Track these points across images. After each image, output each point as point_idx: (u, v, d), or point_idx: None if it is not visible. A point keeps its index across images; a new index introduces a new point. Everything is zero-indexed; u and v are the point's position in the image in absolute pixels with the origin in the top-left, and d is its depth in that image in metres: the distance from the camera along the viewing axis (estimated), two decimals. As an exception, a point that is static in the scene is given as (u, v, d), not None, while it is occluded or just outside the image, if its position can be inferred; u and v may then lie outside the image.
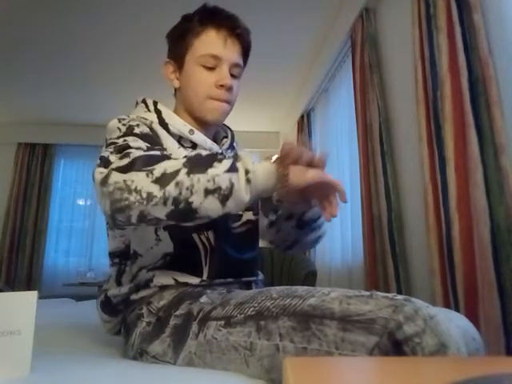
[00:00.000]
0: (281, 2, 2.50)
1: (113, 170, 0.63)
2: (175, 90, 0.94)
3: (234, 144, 0.99)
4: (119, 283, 0.83)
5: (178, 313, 0.71)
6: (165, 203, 0.60)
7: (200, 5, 0.91)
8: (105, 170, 0.64)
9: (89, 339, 0.99)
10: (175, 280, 0.77)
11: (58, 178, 4.67)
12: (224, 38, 0.85)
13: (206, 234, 0.80)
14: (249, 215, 0.91)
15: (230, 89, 0.86)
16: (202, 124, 0.89)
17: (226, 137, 0.98)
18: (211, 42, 0.85)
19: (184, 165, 0.62)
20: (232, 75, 0.87)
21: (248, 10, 2.61)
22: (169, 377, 0.60)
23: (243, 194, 0.62)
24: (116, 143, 0.72)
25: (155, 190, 0.60)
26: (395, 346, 0.49)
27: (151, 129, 0.81)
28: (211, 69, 0.85)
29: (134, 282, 0.80)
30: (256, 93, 3.61)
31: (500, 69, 1.24)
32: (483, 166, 1.21)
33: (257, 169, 0.63)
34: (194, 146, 0.86)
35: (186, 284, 0.77)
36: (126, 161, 0.63)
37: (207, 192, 0.60)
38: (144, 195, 0.59)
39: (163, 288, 0.77)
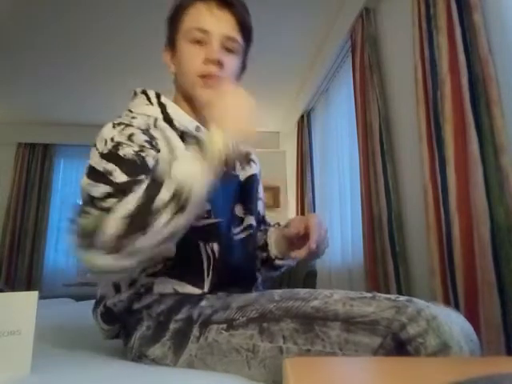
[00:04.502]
0: (281, 2, 2.50)
1: (78, 244, 0.62)
2: (174, 76, 0.88)
3: None
4: (117, 287, 0.80)
5: (177, 317, 0.71)
6: (132, 268, 0.65)
7: None
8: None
9: (89, 339, 0.99)
10: (175, 290, 0.75)
11: (58, 178, 4.67)
12: (212, 9, 0.80)
13: (210, 245, 0.77)
14: (251, 219, 0.90)
15: (219, 64, 0.78)
16: (201, 111, 0.81)
17: None
18: (199, 15, 0.80)
19: (125, 226, 0.57)
20: (226, 49, 0.81)
21: (249, 9, 2.61)
22: (168, 378, 0.60)
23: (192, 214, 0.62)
24: (94, 168, 0.67)
25: (114, 260, 0.59)
26: (399, 346, 0.49)
27: (155, 127, 0.77)
28: (200, 44, 0.80)
29: (133, 289, 0.77)
30: (256, 93, 3.60)
31: (500, 69, 1.24)
32: (483, 166, 1.21)
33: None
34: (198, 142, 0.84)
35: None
36: (81, 235, 0.61)
37: (161, 243, 0.60)
38: (109, 274, 0.64)
39: (164, 295, 0.76)
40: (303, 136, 3.45)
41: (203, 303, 0.71)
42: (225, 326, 0.63)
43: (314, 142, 3.35)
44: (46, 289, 4.06)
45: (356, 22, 2.23)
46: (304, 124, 3.48)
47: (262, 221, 1.02)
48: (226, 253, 0.79)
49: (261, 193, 1.03)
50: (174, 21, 0.85)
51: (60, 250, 4.48)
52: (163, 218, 0.58)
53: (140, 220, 0.57)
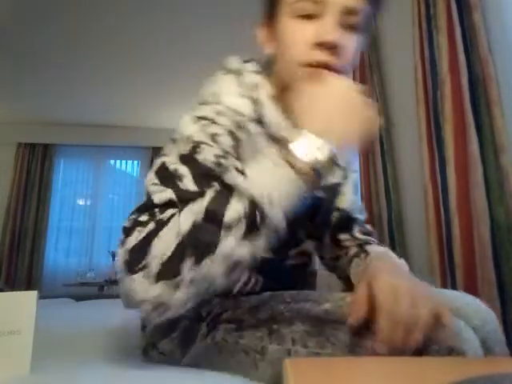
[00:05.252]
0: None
1: (122, 264, 0.50)
2: (272, 59, 0.68)
3: None
4: None
5: (187, 314, 0.70)
6: (181, 305, 0.48)
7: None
8: (121, 251, 0.50)
9: (88, 340, 0.99)
10: None
11: (58, 177, 4.68)
12: None
13: (256, 276, 0.68)
14: (309, 245, 0.76)
15: (334, 48, 0.57)
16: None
17: None
18: None
19: (180, 245, 0.46)
20: (346, 25, 0.59)
21: (248, 9, 2.61)
22: (169, 378, 0.60)
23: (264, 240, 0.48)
24: (166, 166, 0.56)
25: (161, 290, 0.46)
26: None
27: (243, 127, 0.59)
28: (310, 19, 0.58)
29: None
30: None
31: (500, 69, 1.24)
32: (483, 166, 1.21)
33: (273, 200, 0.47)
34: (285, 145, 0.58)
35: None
36: (127, 253, 0.49)
37: (227, 272, 0.47)
38: (150, 307, 0.47)
39: None
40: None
41: (214, 301, 0.70)
42: (234, 326, 0.62)
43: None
44: (46, 289, 4.07)
45: (356, 21, 2.23)
46: (304, 124, 3.48)
47: (350, 218, 0.83)
48: (269, 284, 0.68)
49: (351, 190, 0.85)
50: None
51: (60, 250, 4.49)
52: (230, 239, 0.45)
53: (200, 240, 0.46)
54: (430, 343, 0.46)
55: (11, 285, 4.03)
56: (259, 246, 0.47)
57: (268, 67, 0.67)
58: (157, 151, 4.67)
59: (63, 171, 4.74)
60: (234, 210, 0.46)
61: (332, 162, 0.48)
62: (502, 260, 1.13)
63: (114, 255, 3.92)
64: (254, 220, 0.46)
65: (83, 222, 4.58)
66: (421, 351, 0.46)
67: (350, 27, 0.59)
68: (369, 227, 0.85)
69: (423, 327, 0.45)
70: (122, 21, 2.72)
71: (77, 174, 4.74)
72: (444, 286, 1.34)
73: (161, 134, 4.72)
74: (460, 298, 0.62)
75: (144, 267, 0.47)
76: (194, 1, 2.44)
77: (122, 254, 0.50)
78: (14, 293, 0.56)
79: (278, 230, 0.48)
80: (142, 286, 0.46)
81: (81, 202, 4.70)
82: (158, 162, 0.58)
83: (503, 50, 1.25)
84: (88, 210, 4.64)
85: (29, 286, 4.11)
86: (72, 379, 0.57)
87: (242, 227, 0.46)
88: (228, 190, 0.48)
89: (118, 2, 2.51)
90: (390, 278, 0.51)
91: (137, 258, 0.48)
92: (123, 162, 4.85)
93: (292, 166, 0.48)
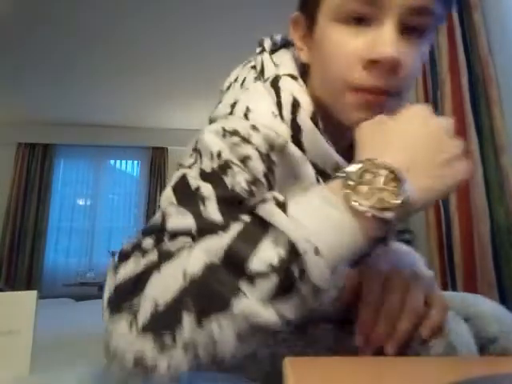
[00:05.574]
0: (281, 1, 2.51)
1: (106, 298, 0.38)
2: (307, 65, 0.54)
3: None
4: None
5: None
6: (171, 370, 0.35)
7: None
8: (112, 278, 0.40)
9: (88, 340, 0.99)
10: None
11: (58, 177, 4.67)
12: None
13: None
14: None
15: (393, 66, 0.42)
16: (343, 130, 0.48)
17: None
18: None
19: (183, 291, 0.34)
20: (408, 29, 0.44)
21: (248, 8, 2.61)
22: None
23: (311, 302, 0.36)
24: (187, 181, 0.44)
25: (147, 346, 0.33)
26: None
27: (281, 152, 0.47)
28: (362, 24, 0.44)
29: None
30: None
31: (500, 69, 1.24)
32: (483, 167, 1.21)
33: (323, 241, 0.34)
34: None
35: None
36: (115, 285, 0.38)
37: (242, 338, 0.34)
38: (130, 363, 0.33)
39: None
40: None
41: None
42: None
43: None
44: (46, 289, 4.07)
45: (356, 22, 2.23)
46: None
47: None
48: None
49: None
50: None
51: (60, 250, 4.49)
52: (251, 295, 0.33)
53: (210, 289, 0.34)
54: (417, 336, 0.43)
55: (11, 285, 4.03)
56: (291, 310, 0.34)
57: (305, 69, 0.54)
58: (157, 151, 4.67)
59: (63, 171, 4.73)
60: (264, 256, 0.34)
61: (409, 209, 0.35)
62: (502, 260, 1.13)
63: (113, 255, 3.92)
64: (289, 274, 0.33)
65: (83, 222, 4.58)
66: (407, 344, 0.44)
67: (414, 32, 0.44)
68: (405, 236, 0.76)
69: (410, 318, 0.43)
70: (121, 21, 2.72)
71: (77, 173, 4.74)
72: (444, 286, 1.34)
73: (161, 133, 4.73)
74: (471, 298, 0.61)
75: (132, 307, 0.35)
76: (194, 1, 2.44)
77: (109, 285, 0.39)
78: (14, 293, 0.56)
79: (319, 291, 0.35)
80: (125, 333, 0.34)
81: (81, 202, 4.70)
82: (177, 174, 0.47)
83: (503, 50, 1.25)
84: (88, 210, 4.63)
85: (29, 286, 4.11)
86: (72, 379, 0.57)
87: (273, 281, 0.33)
88: (261, 228, 0.35)
89: (117, 1, 2.51)
90: (387, 267, 0.47)
91: (126, 293, 0.36)
92: (123, 161, 4.85)
93: (350, 207, 0.35)
